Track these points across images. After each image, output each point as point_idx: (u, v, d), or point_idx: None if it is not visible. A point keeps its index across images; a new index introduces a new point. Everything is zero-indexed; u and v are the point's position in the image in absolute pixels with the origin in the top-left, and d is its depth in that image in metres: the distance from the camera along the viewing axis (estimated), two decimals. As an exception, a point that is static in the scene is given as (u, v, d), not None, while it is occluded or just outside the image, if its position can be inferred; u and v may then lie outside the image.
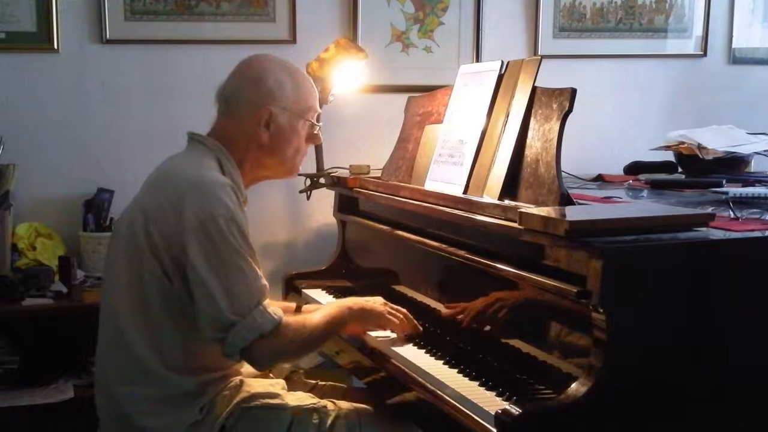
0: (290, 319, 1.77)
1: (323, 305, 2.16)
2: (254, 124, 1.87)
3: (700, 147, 2.65)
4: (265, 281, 1.75)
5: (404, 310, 2.00)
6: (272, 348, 1.73)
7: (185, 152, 1.90)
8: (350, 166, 2.71)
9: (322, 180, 2.73)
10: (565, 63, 3.23)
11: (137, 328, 1.75)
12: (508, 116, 1.93)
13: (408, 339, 1.97)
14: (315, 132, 1.97)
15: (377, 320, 1.96)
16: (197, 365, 1.79)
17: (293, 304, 2.19)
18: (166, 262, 1.72)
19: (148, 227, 1.73)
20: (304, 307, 2.17)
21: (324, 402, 1.89)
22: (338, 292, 2.45)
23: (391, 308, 1.98)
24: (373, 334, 2.00)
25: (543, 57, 1.95)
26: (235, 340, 1.69)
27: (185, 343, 1.76)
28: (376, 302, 1.98)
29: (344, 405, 1.91)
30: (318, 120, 1.99)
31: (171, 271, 1.72)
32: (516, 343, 1.75)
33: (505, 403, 1.54)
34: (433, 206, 2.01)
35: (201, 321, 1.70)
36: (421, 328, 1.99)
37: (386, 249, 2.42)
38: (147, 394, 1.75)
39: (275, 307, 1.75)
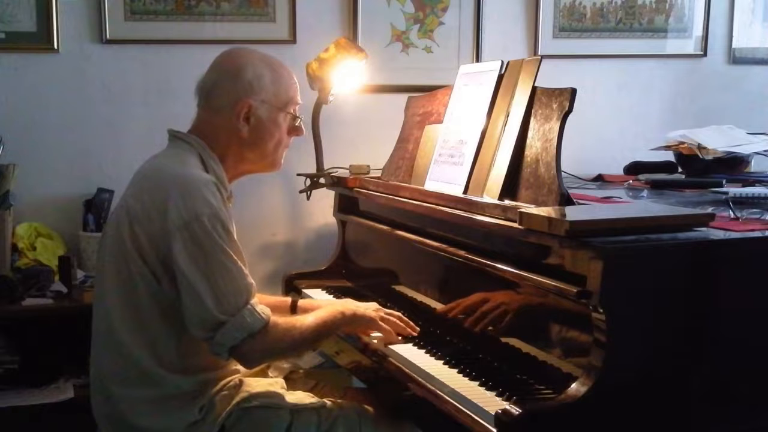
0: (280, 319, 1.77)
1: (318, 308, 2.16)
2: (234, 118, 1.85)
3: (700, 147, 2.65)
4: (251, 279, 1.74)
5: (398, 314, 2.00)
6: (261, 347, 1.72)
7: (167, 150, 1.89)
8: (350, 166, 2.71)
9: (322, 180, 2.73)
10: (565, 63, 3.23)
11: (130, 329, 1.74)
12: (508, 116, 1.93)
13: (405, 339, 1.96)
14: (297, 124, 1.95)
15: (369, 326, 1.96)
16: (193, 365, 1.78)
17: (288, 299, 2.19)
18: (153, 263, 1.72)
19: (134, 228, 1.73)
20: (300, 302, 2.18)
21: (324, 402, 1.89)
22: (338, 292, 2.45)
23: (385, 313, 1.97)
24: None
25: (543, 57, 1.95)
26: (224, 339, 1.68)
27: (179, 343, 1.75)
28: (368, 308, 1.97)
29: (344, 405, 1.91)
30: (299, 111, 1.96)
31: (159, 271, 1.72)
32: (516, 343, 1.75)
33: (505, 403, 1.54)
34: (433, 206, 2.01)
35: (188, 320, 1.70)
36: (416, 332, 1.97)
37: (386, 249, 2.42)
38: (144, 395, 1.75)
39: (263, 305, 1.74)
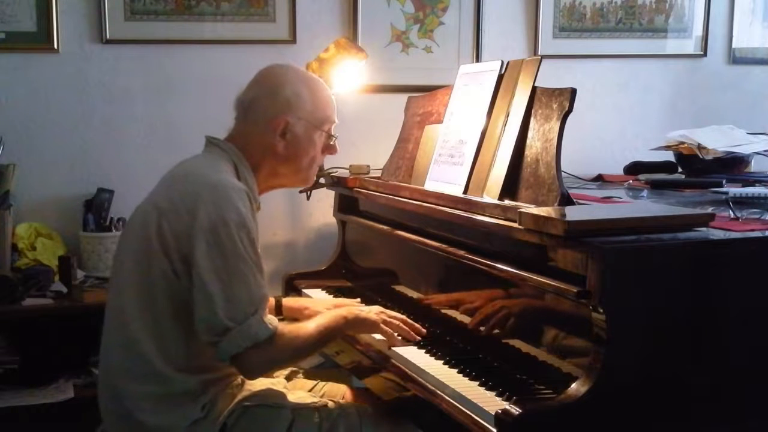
0: (285, 328, 1.78)
1: (304, 307, 2.17)
2: (271, 133, 1.87)
3: (700, 147, 2.65)
4: (266, 291, 1.76)
5: (402, 317, 1.99)
6: (265, 357, 1.73)
7: (202, 155, 1.91)
8: (350, 166, 2.71)
9: (322, 180, 2.73)
10: (565, 63, 3.23)
11: (144, 326, 1.75)
12: (508, 116, 1.93)
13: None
14: (331, 143, 1.98)
15: (372, 330, 1.96)
16: (200, 364, 1.79)
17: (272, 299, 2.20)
18: (175, 260, 1.73)
19: (161, 225, 1.74)
20: (284, 301, 2.20)
21: (324, 401, 1.90)
22: (338, 292, 2.45)
23: (388, 316, 1.96)
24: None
25: (543, 57, 1.95)
26: (229, 346, 1.69)
27: (189, 343, 1.76)
28: (371, 311, 1.97)
29: (345, 404, 1.92)
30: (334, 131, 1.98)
31: (180, 269, 1.73)
32: (516, 343, 1.75)
33: (505, 403, 1.54)
34: (433, 206, 2.01)
35: (197, 323, 1.71)
36: (421, 335, 1.95)
37: (386, 249, 2.42)
38: (150, 392, 1.75)
39: (271, 317, 1.75)
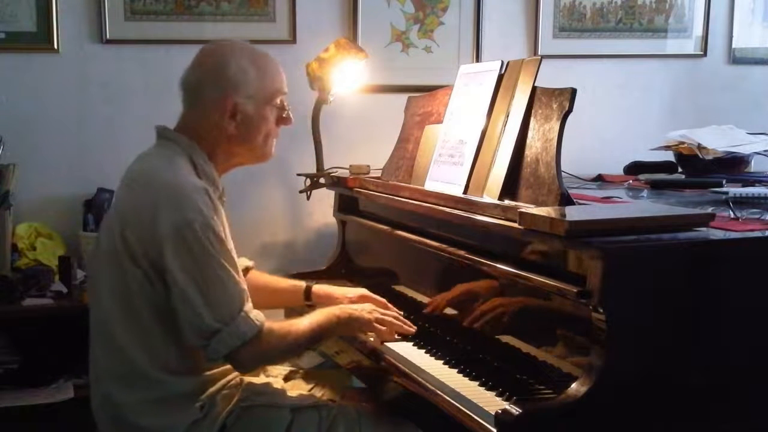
0: (275, 324, 1.77)
1: (331, 295, 2.18)
2: (220, 116, 1.83)
3: (700, 147, 2.65)
4: (244, 285, 1.74)
5: (394, 314, 2.00)
6: (255, 353, 1.72)
7: (156, 150, 1.86)
8: (350, 166, 2.71)
9: (322, 180, 2.73)
10: (565, 63, 3.23)
11: (127, 332, 1.74)
12: (508, 116, 1.93)
13: (404, 337, 1.97)
14: (284, 115, 1.92)
15: (364, 328, 1.96)
16: (192, 366, 1.78)
17: (303, 284, 2.21)
18: (145, 266, 1.71)
19: (125, 233, 1.72)
20: (315, 288, 2.20)
21: (324, 401, 1.90)
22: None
23: (381, 314, 1.97)
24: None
25: (543, 57, 1.95)
26: (220, 346, 1.68)
27: (179, 346, 1.74)
28: (363, 309, 1.96)
29: (344, 404, 1.91)
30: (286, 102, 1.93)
31: (152, 275, 1.71)
32: (516, 343, 1.75)
33: (505, 403, 1.54)
34: (433, 206, 2.01)
35: (183, 328, 1.70)
36: (413, 330, 1.97)
37: (386, 249, 2.42)
38: (143, 397, 1.74)
39: (257, 311, 1.74)
